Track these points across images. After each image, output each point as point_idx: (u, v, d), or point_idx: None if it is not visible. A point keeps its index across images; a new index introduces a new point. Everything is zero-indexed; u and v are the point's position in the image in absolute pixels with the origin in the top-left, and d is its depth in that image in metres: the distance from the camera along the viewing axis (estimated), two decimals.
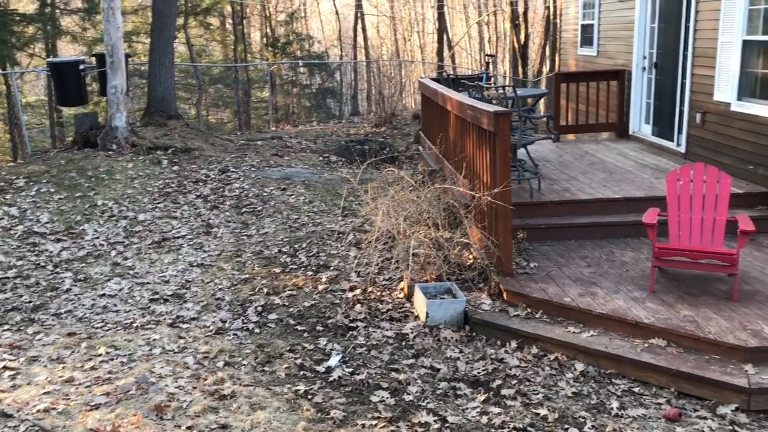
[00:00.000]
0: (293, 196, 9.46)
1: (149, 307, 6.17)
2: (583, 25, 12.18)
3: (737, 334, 4.72)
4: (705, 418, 4.26)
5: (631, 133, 10.36)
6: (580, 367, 4.88)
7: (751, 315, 5.01)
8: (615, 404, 4.40)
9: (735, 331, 4.78)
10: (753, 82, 7.38)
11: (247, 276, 6.82)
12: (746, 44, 7.42)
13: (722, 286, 5.58)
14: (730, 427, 4.14)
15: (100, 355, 5.06)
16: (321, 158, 12.04)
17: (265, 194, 9.54)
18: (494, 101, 8.00)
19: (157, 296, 6.40)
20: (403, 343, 5.34)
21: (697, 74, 8.44)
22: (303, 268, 6.97)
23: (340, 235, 7.86)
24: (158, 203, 9.14)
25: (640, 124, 10.24)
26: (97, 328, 5.69)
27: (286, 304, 6.13)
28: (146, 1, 20.44)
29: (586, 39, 12.02)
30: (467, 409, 4.37)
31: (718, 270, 5.55)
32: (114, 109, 11.41)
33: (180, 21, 20.23)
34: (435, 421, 4.20)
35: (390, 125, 15.57)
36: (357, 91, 25.45)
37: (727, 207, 5.69)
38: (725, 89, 7.77)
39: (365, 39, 29.42)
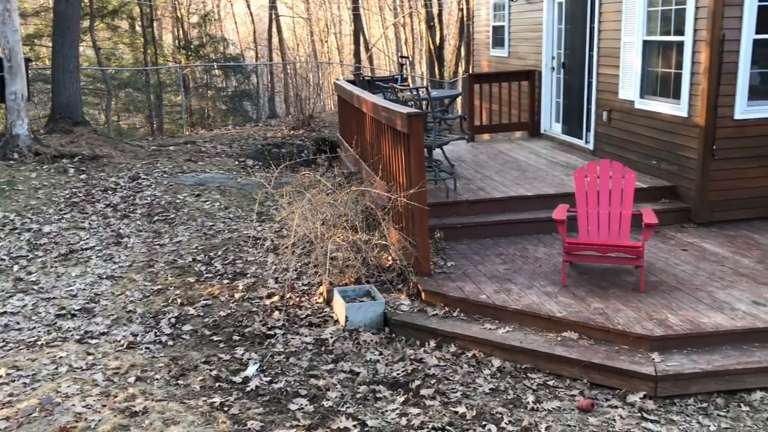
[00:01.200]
0: (208, 203, 9.24)
1: (55, 323, 5.88)
2: (494, 27, 12.43)
3: (644, 324, 4.90)
4: (616, 406, 4.39)
5: (542, 131, 10.64)
6: (497, 363, 4.95)
7: (657, 305, 5.22)
8: (531, 398, 4.49)
9: (642, 321, 4.96)
10: (654, 80, 7.71)
11: (160, 287, 6.60)
12: (646, 44, 7.75)
13: (630, 278, 5.79)
14: (639, 414, 4.29)
15: (0, 377, 4.77)
16: (237, 163, 11.82)
17: (178, 201, 9.28)
18: (409, 103, 8.04)
19: (63, 311, 6.10)
20: (323, 349, 5.29)
21: (603, 73, 8.75)
22: (219, 277, 6.81)
23: (257, 241, 7.72)
24: (65, 214, 8.74)
25: (550, 123, 10.53)
26: None
27: (201, 314, 5.96)
28: (48, 3, 19.56)
29: (498, 40, 12.28)
30: (387, 411, 4.35)
31: (626, 263, 5.75)
32: (14, 116, 10.86)
33: (85, 23, 19.45)
34: (354, 425, 4.16)
35: (308, 128, 15.45)
36: (274, 94, 25.13)
37: (632, 201, 5.90)
38: (629, 87, 8.08)
39: (281, 41, 29.11)
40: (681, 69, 7.12)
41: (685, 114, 7.11)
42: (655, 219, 5.58)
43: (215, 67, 24.01)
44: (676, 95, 7.25)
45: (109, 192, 9.60)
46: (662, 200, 7.36)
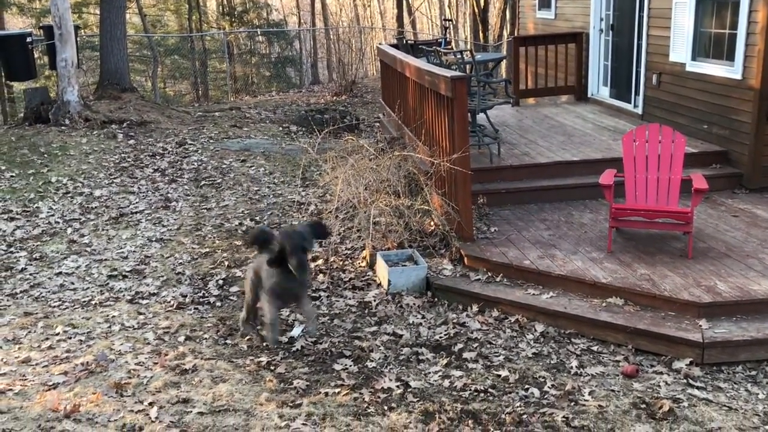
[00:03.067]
0: (253, 168, 9.35)
1: (108, 284, 6.07)
2: None
3: (691, 291, 4.82)
4: (661, 373, 4.36)
5: (589, 95, 10.42)
6: (540, 328, 4.95)
7: (705, 272, 5.12)
8: (574, 363, 4.48)
9: (689, 287, 4.88)
10: (707, 41, 7.46)
11: (207, 249, 6.74)
12: (699, 3, 7.48)
13: (678, 244, 5.69)
14: (685, 381, 4.25)
15: (57, 334, 4.97)
16: (281, 128, 11.90)
17: (224, 166, 9.41)
18: (453, 66, 7.95)
19: (115, 273, 6.29)
20: (366, 311, 5.35)
21: (653, 35, 8.49)
22: None
23: (302, 206, 7.80)
24: (114, 178, 8.95)
25: (598, 87, 10.30)
26: (54, 307, 5.58)
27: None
28: None
29: (544, 2, 12.00)
30: (429, 373, 4.40)
31: (674, 229, 5.65)
32: (65, 83, 11.09)
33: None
34: (398, 386, 4.22)
35: (350, 93, 15.44)
36: (317, 60, 25.10)
37: (681, 166, 5.77)
38: (680, 49, 7.84)
39: (324, 6, 28.96)
40: (736, 29, 6.87)
41: (739, 76, 6.87)
42: (705, 184, 5.45)
43: (258, 33, 24.06)
44: (730, 57, 7.01)
45: (157, 157, 9.78)
46: (713, 165, 7.18)
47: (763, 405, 3.98)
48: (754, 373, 4.34)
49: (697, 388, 4.17)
